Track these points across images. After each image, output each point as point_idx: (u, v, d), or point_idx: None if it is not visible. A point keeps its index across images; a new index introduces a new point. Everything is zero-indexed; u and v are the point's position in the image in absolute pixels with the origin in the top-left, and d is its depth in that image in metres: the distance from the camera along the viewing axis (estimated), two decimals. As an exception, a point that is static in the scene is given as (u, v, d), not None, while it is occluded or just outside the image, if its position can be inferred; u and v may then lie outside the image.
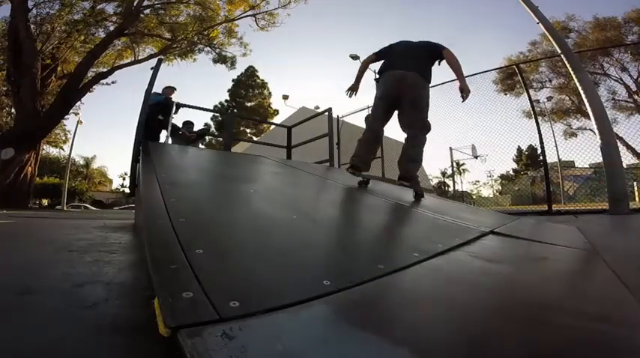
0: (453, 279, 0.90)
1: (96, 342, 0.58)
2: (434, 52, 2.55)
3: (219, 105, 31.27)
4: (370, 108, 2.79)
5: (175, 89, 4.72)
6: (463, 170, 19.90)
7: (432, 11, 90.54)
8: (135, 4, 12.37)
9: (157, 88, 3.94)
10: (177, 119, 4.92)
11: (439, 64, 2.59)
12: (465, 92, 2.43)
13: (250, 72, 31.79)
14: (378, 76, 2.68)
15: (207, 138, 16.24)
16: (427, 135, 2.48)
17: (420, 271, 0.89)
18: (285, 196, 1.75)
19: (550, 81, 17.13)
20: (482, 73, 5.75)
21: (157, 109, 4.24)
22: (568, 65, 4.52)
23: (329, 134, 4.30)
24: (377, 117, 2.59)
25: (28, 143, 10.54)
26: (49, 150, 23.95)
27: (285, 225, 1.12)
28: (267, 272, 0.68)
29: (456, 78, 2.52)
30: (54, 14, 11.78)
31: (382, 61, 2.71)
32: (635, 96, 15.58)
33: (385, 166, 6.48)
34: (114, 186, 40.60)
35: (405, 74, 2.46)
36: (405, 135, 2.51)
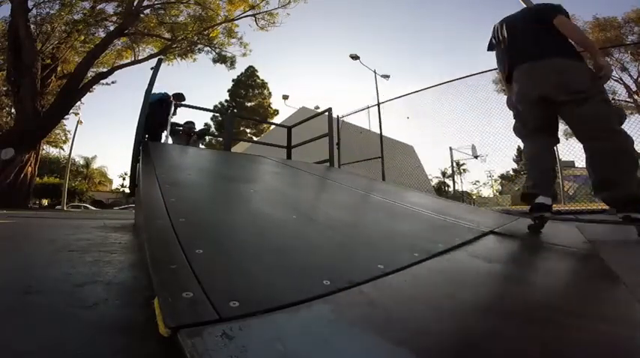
0: (453, 279, 0.90)
1: (96, 342, 0.58)
2: (541, 21, 1.87)
3: (219, 105, 31.26)
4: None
5: (184, 98, 4.62)
6: (463, 170, 19.93)
7: (433, 10, 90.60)
8: (135, 4, 12.36)
9: (157, 89, 3.94)
10: (177, 120, 4.90)
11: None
12: (600, 70, 1.69)
13: (250, 72, 31.79)
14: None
15: (207, 138, 16.26)
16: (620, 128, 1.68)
17: (420, 271, 0.89)
18: (285, 196, 1.75)
19: (550, 81, 17.08)
20: (482, 72, 5.77)
21: (159, 106, 4.21)
22: (568, 65, 4.51)
23: (329, 134, 4.30)
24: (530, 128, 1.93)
25: (28, 143, 10.54)
26: (49, 150, 23.99)
27: (285, 225, 1.12)
28: (267, 272, 0.68)
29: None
30: (54, 14, 11.77)
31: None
32: (635, 96, 15.58)
33: (385, 168, 6.49)
34: (114, 186, 40.55)
35: (531, 66, 1.84)
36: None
